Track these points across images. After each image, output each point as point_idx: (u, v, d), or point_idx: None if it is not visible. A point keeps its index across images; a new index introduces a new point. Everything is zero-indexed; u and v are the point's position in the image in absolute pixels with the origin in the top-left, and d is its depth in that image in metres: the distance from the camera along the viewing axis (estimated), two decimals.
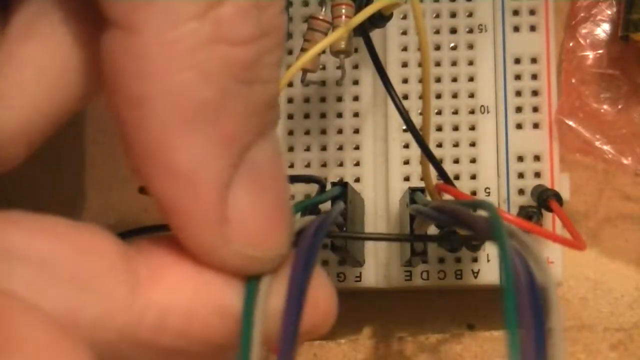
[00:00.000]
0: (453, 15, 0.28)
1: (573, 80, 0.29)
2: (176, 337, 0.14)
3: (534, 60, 0.28)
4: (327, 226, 0.16)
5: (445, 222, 0.23)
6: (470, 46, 0.28)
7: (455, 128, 0.28)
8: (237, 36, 0.14)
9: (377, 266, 0.28)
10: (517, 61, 0.28)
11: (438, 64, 0.28)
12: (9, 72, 0.15)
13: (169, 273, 0.15)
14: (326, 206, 0.25)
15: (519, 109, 0.28)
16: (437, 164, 0.23)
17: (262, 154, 0.15)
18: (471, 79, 0.28)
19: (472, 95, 0.28)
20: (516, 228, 0.15)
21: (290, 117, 0.28)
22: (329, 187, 0.25)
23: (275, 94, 0.15)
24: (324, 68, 0.28)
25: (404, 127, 0.28)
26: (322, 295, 0.15)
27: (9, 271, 0.14)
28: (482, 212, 0.17)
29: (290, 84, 0.28)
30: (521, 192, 0.28)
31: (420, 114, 0.27)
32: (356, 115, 0.28)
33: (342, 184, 0.25)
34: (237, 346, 0.14)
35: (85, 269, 0.14)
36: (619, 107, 0.29)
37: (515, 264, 0.13)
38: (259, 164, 0.15)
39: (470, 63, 0.28)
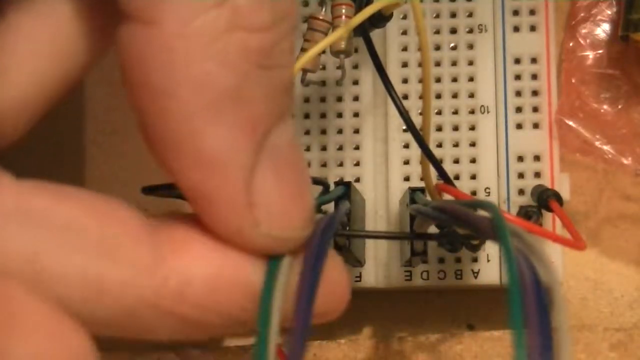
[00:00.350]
0: (453, 15, 0.28)
1: (573, 80, 0.29)
2: (196, 307, 0.15)
3: (534, 60, 0.28)
4: (336, 222, 0.17)
5: (446, 222, 0.23)
6: (470, 46, 0.28)
7: (455, 128, 0.28)
8: (254, 23, 0.14)
9: (377, 266, 0.28)
10: (517, 61, 0.28)
11: (438, 64, 0.28)
12: (7, 46, 0.15)
13: (193, 246, 0.15)
14: (327, 207, 0.25)
15: (519, 109, 0.28)
16: (437, 164, 0.23)
17: (282, 138, 0.15)
18: (471, 79, 0.28)
19: (472, 95, 0.28)
20: (519, 228, 0.15)
21: None
22: (331, 188, 0.25)
23: (291, 78, 0.15)
24: (324, 68, 0.28)
25: (404, 127, 0.28)
26: (336, 278, 0.16)
27: (35, 236, 0.14)
28: (483, 212, 0.17)
29: None
30: (521, 192, 0.28)
31: (420, 114, 0.27)
32: (356, 115, 0.28)
33: (345, 184, 0.25)
34: (255, 322, 0.14)
35: (109, 235, 0.14)
36: (619, 107, 0.29)
37: (519, 263, 0.13)
38: (279, 147, 0.15)
39: (470, 63, 0.28)
